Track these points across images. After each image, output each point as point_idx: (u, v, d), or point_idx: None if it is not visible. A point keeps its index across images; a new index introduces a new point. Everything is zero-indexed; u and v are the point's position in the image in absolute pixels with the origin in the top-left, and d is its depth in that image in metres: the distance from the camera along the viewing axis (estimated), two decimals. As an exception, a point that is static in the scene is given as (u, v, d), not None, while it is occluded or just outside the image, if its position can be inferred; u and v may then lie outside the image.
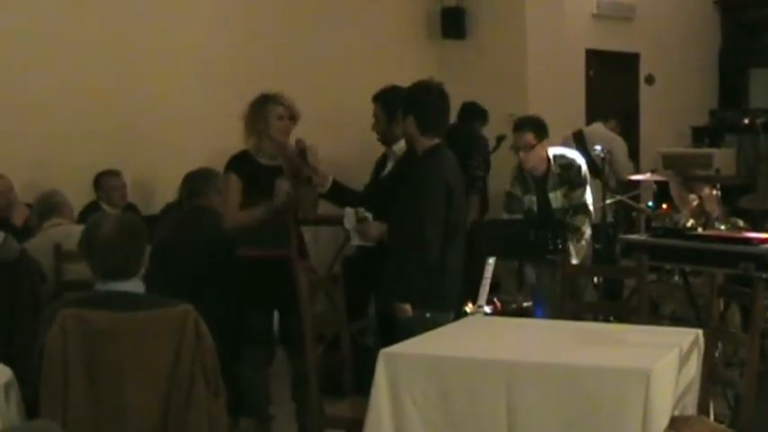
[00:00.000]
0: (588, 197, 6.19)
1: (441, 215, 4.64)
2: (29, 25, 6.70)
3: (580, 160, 6.24)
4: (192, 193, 5.59)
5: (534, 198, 6.22)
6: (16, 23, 6.65)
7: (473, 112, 8.67)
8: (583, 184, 6.17)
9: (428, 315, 4.59)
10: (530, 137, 6.08)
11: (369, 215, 5.13)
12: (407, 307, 4.64)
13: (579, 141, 7.98)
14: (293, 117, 5.54)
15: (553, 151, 6.23)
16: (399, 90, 5.26)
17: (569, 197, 6.14)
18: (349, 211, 5.19)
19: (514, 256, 6.16)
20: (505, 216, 6.30)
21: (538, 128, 6.12)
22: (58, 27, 6.82)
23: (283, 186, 5.35)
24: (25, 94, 6.64)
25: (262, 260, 5.30)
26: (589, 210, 6.18)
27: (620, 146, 8.47)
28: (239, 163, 5.45)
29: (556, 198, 6.16)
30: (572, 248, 6.05)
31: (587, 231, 6.21)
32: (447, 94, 4.88)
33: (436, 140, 4.80)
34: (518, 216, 6.22)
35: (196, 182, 5.59)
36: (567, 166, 6.18)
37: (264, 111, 5.48)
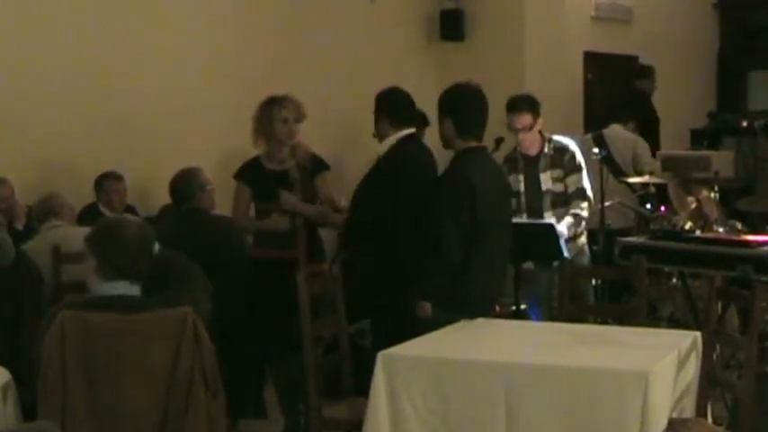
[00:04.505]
0: (586, 183, 6.18)
1: (458, 216, 4.53)
2: (29, 27, 6.69)
3: (574, 147, 6.24)
4: (179, 199, 5.67)
5: (522, 177, 6.18)
6: (16, 25, 6.64)
7: None
8: (579, 170, 6.15)
9: (447, 317, 4.45)
10: (528, 117, 6.06)
11: None
12: (427, 305, 4.57)
13: (600, 143, 7.91)
14: (299, 119, 5.61)
15: (547, 135, 6.22)
16: (399, 91, 5.32)
17: (565, 183, 6.12)
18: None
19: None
20: None
21: (534, 107, 6.10)
22: (59, 28, 6.81)
23: (289, 199, 5.46)
24: (25, 97, 6.62)
25: (273, 262, 5.35)
26: (588, 195, 6.16)
27: (643, 146, 8.40)
28: (247, 171, 5.68)
29: (546, 179, 6.14)
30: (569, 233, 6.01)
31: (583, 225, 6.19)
32: (485, 96, 4.81)
33: (473, 143, 4.73)
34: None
35: (179, 187, 5.67)
36: (561, 149, 6.17)
37: (269, 115, 5.55)
